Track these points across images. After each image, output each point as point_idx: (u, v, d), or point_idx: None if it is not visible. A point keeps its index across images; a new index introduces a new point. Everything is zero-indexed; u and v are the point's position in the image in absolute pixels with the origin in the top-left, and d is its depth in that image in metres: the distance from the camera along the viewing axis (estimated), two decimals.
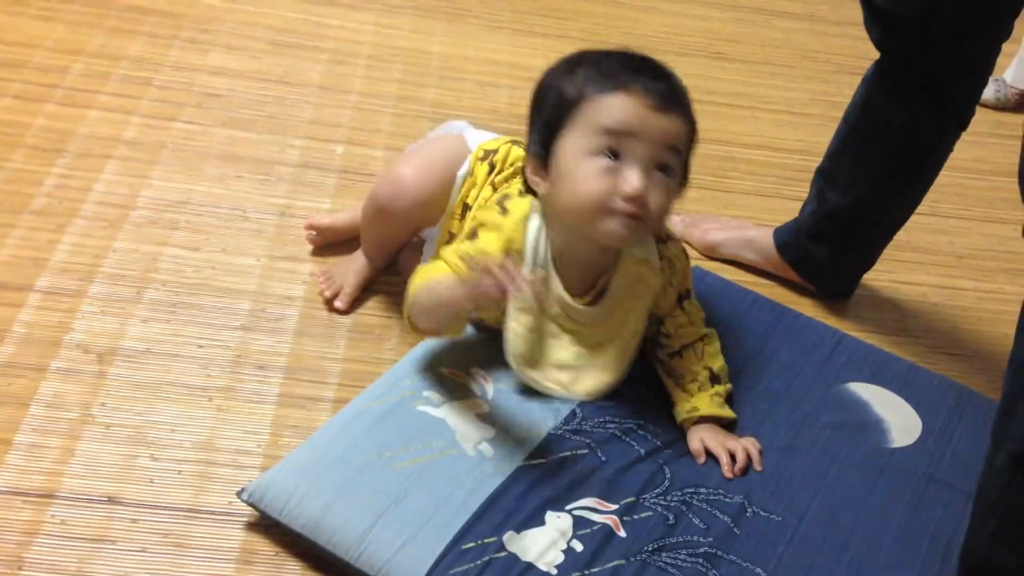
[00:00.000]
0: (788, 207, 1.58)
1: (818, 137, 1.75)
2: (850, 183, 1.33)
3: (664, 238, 1.11)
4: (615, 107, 0.98)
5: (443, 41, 1.84)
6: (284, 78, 1.67)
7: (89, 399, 1.08)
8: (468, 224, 1.11)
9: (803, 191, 1.61)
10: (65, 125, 1.46)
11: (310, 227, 1.34)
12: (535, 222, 1.07)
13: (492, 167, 1.16)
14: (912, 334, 1.38)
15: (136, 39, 1.67)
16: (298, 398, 1.14)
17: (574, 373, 1.10)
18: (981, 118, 1.86)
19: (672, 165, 1.01)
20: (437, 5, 1.94)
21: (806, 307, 1.38)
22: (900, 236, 1.54)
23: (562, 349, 1.09)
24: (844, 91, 1.89)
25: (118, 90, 1.55)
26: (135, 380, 1.12)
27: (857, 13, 2.11)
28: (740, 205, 1.58)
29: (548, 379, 1.09)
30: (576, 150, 0.99)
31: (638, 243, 1.06)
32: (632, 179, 0.97)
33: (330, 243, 1.34)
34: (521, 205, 1.07)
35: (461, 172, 1.17)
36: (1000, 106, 1.89)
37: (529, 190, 1.07)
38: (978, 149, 1.79)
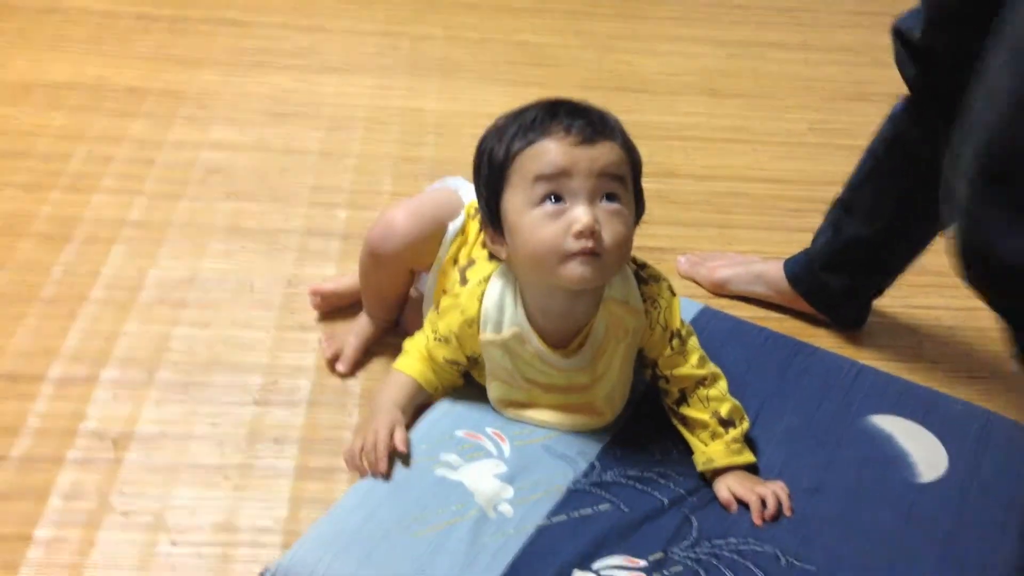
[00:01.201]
0: (794, 239, 1.57)
1: (818, 166, 1.76)
2: (872, 214, 1.32)
3: (646, 278, 1.10)
4: (543, 153, 0.98)
5: (438, 98, 1.86)
6: (284, 147, 1.68)
7: (106, 487, 1.08)
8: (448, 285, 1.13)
9: (807, 222, 1.61)
10: (71, 211, 1.48)
11: (314, 294, 1.35)
12: (495, 286, 1.07)
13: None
14: (929, 359, 1.37)
15: (137, 120, 1.69)
16: (315, 470, 1.13)
17: (562, 414, 1.10)
18: None
19: (618, 193, 1.00)
20: (431, 63, 1.96)
21: (821, 339, 1.38)
22: None
23: (548, 395, 1.09)
24: (840, 118, 1.90)
25: (122, 172, 1.57)
26: (151, 464, 1.12)
27: (846, 39, 2.15)
28: (745, 240, 1.58)
29: (537, 417, 1.10)
30: (519, 205, 0.99)
31: (605, 280, 1.04)
32: (579, 214, 0.97)
33: (336, 308, 1.35)
34: (482, 271, 1.08)
35: (454, 226, 1.18)
36: None
37: (495, 256, 1.08)
38: None
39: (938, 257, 1.55)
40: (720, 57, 2.07)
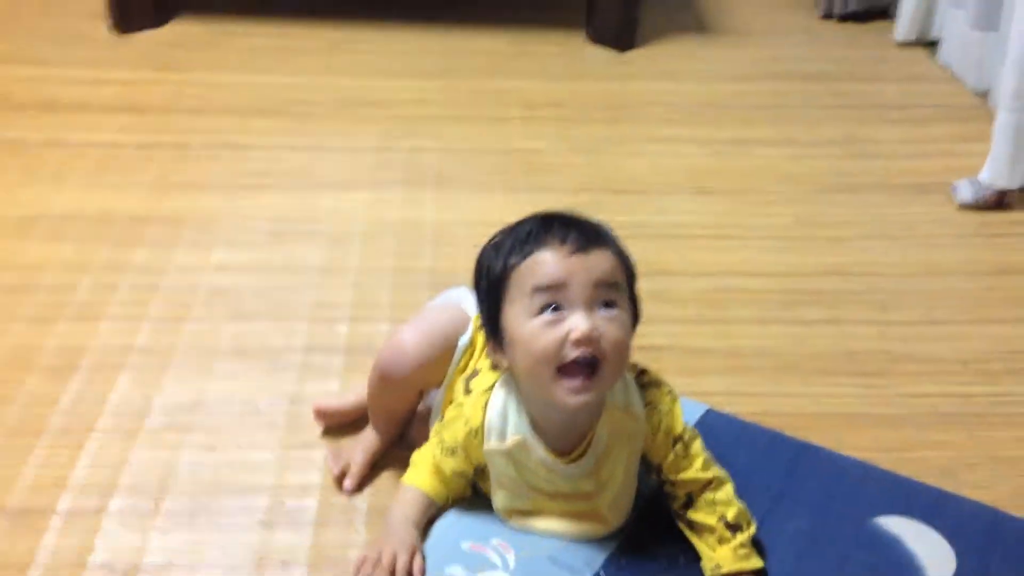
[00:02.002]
0: (787, 332, 1.60)
1: (804, 258, 1.79)
2: None
3: (646, 383, 1.12)
4: (539, 265, 1.02)
5: (434, 208, 1.91)
6: (285, 265, 1.72)
7: None
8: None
9: (800, 313, 1.65)
10: (78, 341, 1.51)
11: (317, 412, 1.36)
12: (498, 395, 1.09)
13: None
14: (929, 447, 1.38)
15: (140, 248, 1.74)
16: None
17: (567, 522, 1.10)
18: (964, 220, 1.92)
19: (615, 300, 1.02)
20: (425, 175, 2.02)
21: (822, 432, 1.38)
22: (901, 348, 1.57)
23: (553, 502, 1.10)
24: (825, 209, 1.95)
25: (127, 299, 1.61)
26: None
27: (828, 133, 2.22)
28: (741, 335, 1.60)
29: (542, 526, 1.10)
30: (518, 317, 1.02)
31: (603, 392, 1.05)
32: (577, 322, 0.99)
33: (340, 425, 1.36)
34: (485, 380, 1.11)
35: (463, 341, 1.20)
36: (981, 206, 1.93)
37: (496, 367, 1.11)
38: (967, 251, 1.83)
39: (928, 344, 1.58)
40: (706, 155, 2.13)
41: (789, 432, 1.37)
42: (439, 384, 1.22)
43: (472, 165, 2.06)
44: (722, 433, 1.28)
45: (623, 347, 1.03)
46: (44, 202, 1.85)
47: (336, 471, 1.28)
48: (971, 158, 2.06)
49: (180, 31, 2.56)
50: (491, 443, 1.08)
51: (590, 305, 1.00)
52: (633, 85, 2.43)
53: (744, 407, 1.43)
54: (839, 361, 1.54)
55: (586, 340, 0.99)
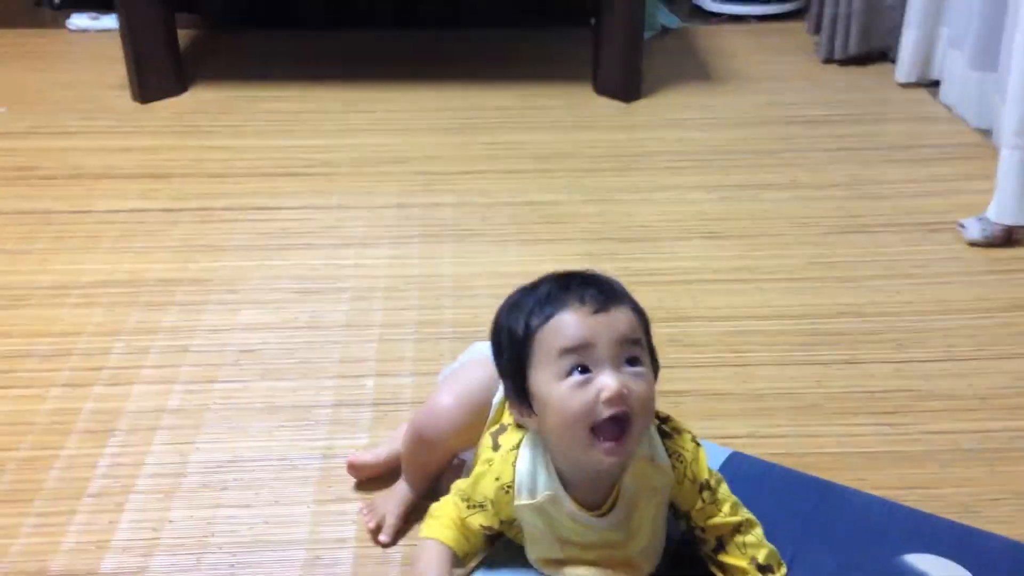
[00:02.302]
0: (806, 373, 1.63)
1: (819, 299, 1.83)
2: None
3: (669, 432, 1.13)
4: (562, 327, 1.03)
5: (453, 262, 1.95)
6: (311, 323, 1.77)
7: None
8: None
9: (818, 355, 1.68)
10: (113, 405, 1.55)
11: (351, 466, 1.39)
12: (526, 452, 1.11)
13: None
14: (952, 484, 1.40)
15: (170, 310, 1.79)
16: None
17: (601, 571, 1.12)
18: (974, 257, 1.96)
19: (638, 356, 1.04)
20: (442, 229, 2.06)
21: (842, 473, 1.40)
22: (920, 386, 1.60)
23: (585, 552, 1.12)
24: (837, 251, 1.99)
25: (158, 362, 1.65)
26: None
27: (834, 176, 2.26)
28: (759, 377, 1.63)
29: (575, 575, 1.12)
30: (547, 381, 1.03)
31: (633, 450, 1.07)
32: (607, 381, 1.00)
33: (373, 479, 1.39)
34: (512, 437, 1.12)
35: (497, 398, 1.23)
36: (989, 243, 1.96)
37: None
38: (978, 288, 1.86)
39: (947, 380, 1.60)
40: (715, 201, 2.17)
41: (812, 472, 1.40)
42: (474, 444, 1.25)
43: (488, 218, 2.11)
44: (747, 476, 1.30)
45: (650, 402, 1.06)
46: (74, 270, 1.90)
47: (371, 525, 1.31)
48: (977, 195, 2.10)
49: (200, 98, 2.64)
50: (522, 499, 1.10)
51: (616, 363, 1.02)
52: (640, 134, 2.49)
53: (766, 449, 1.46)
54: (859, 400, 1.57)
55: (617, 399, 1.00)
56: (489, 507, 1.12)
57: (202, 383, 1.60)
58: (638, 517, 1.11)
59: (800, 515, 1.25)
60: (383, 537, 1.29)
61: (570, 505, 1.10)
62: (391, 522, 1.30)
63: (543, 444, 1.10)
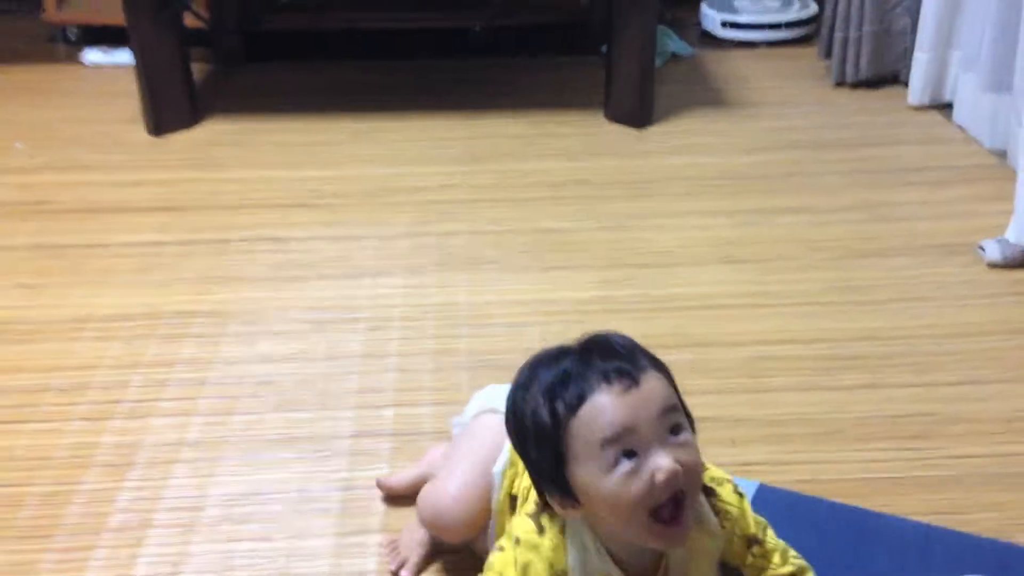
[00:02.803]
0: (828, 398, 1.62)
1: (838, 324, 1.82)
2: None
3: (710, 487, 1.08)
4: (598, 417, 0.94)
5: (468, 291, 1.95)
6: (327, 353, 1.76)
7: None
8: (511, 526, 1.08)
9: (839, 380, 1.66)
10: (132, 438, 1.54)
11: (379, 484, 1.40)
12: (575, 535, 1.03)
13: None
14: (980, 508, 1.38)
15: (187, 342, 1.78)
16: None
17: None
18: (994, 279, 1.95)
19: (679, 423, 0.97)
20: (457, 258, 2.06)
21: (873, 500, 1.39)
22: (942, 410, 1.58)
23: None
24: (854, 274, 1.98)
25: (176, 394, 1.65)
26: None
27: (846, 200, 2.26)
28: (781, 403, 1.61)
29: None
30: (592, 474, 0.95)
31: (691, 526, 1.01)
32: (660, 462, 0.93)
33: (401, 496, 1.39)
34: (555, 518, 1.04)
35: (498, 468, 1.19)
36: (1009, 264, 1.95)
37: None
38: (1001, 310, 1.84)
39: (970, 404, 1.59)
40: (730, 226, 2.17)
41: (837, 499, 1.38)
42: (485, 524, 1.22)
43: (502, 246, 2.11)
44: (778, 507, 1.28)
45: (699, 467, 0.98)
46: (91, 303, 1.91)
47: (393, 567, 1.29)
48: (995, 217, 2.09)
49: (213, 130, 2.65)
50: None
51: (662, 439, 0.94)
52: (653, 161, 2.49)
53: (788, 475, 1.44)
54: (882, 425, 1.55)
55: (673, 479, 0.93)
56: None
57: (220, 415, 1.60)
58: None
59: (840, 545, 1.23)
60: (405, 574, 1.28)
61: None
62: (414, 561, 1.29)
63: (590, 524, 1.02)
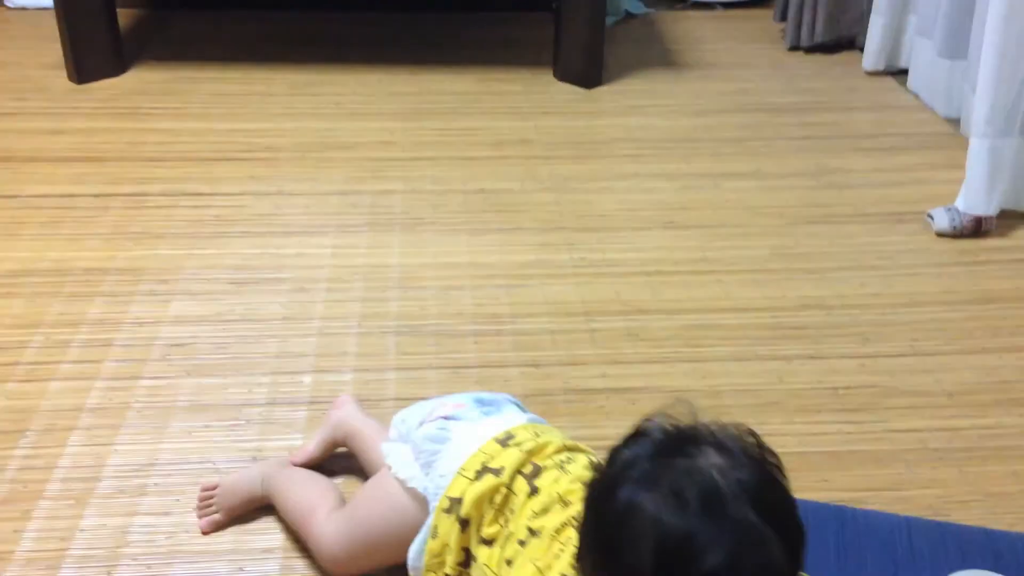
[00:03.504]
0: (768, 368, 1.56)
1: (782, 292, 1.75)
2: None
3: None
4: None
5: (401, 252, 1.86)
6: (246, 316, 1.66)
7: None
8: None
9: (780, 349, 1.60)
10: (26, 402, 1.44)
11: (294, 464, 1.31)
12: None
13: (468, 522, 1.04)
14: (920, 485, 1.33)
15: (95, 301, 1.67)
16: None
17: None
18: (942, 248, 1.89)
19: None
20: (391, 218, 1.97)
21: (812, 474, 1.33)
22: (886, 382, 1.53)
23: None
24: (802, 242, 1.91)
25: (79, 357, 1.54)
26: None
27: (798, 164, 2.19)
28: (719, 373, 1.55)
29: None
30: None
31: None
32: None
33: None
34: None
35: (415, 549, 1.07)
36: (958, 234, 1.90)
37: None
38: (946, 280, 1.79)
39: (913, 376, 1.54)
40: (676, 190, 2.09)
41: None
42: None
43: (439, 206, 2.01)
44: None
45: None
46: None
47: (199, 514, 1.25)
48: (945, 185, 2.04)
49: (140, 79, 2.51)
50: None
51: None
52: (601, 122, 2.41)
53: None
54: (823, 397, 1.49)
55: None
56: None
57: (125, 380, 1.50)
58: None
59: (828, 550, 1.17)
60: (203, 525, 1.24)
61: None
62: (219, 520, 1.24)
63: None
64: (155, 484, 1.30)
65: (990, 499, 1.30)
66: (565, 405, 1.47)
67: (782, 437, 1.41)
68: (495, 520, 1.02)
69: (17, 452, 1.35)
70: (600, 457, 1.01)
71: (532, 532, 0.98)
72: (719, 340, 1.63)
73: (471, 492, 1.03)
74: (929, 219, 1.94)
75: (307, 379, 1.51)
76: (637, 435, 0.84)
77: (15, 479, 1.30)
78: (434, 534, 1.05)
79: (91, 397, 1.46)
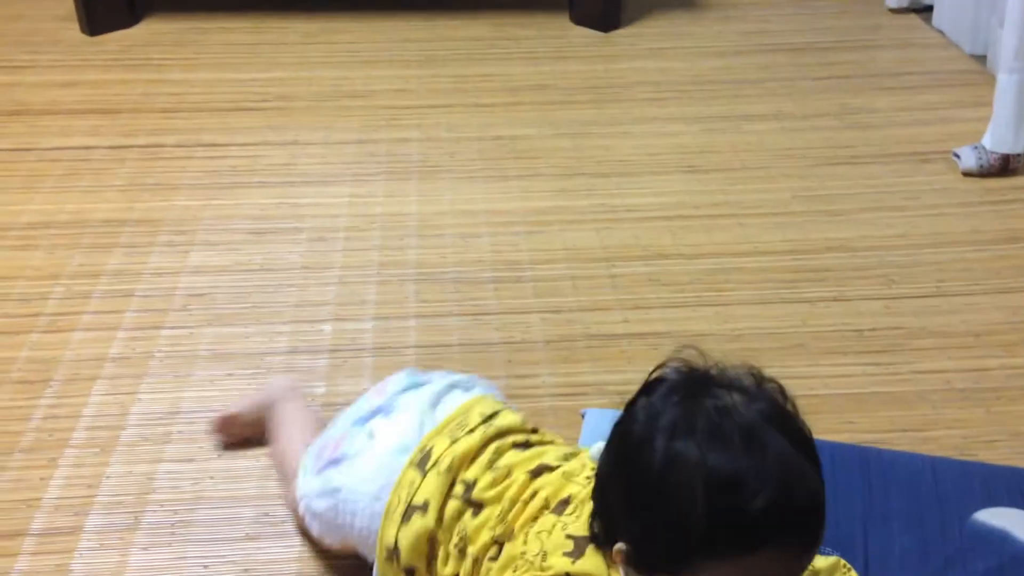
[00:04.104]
0: (792, 312, 1.54)
1: (805, 235, 1.73)
2: None
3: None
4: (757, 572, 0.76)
5: (418, 200, 1.84)
6: (265, 265, 1.66)
7: None
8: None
9: (804, 292, 1.58)
10: (50, 353, 1.44)
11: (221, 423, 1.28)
12: None
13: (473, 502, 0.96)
14: (945, 425, 1.32)
15: (114, 252, 1.67)
16: None
17: None
18: (969, 187, 1.86)
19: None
20: (408, 166, 1.95)
21: (837, 416, 1.32)
22: (911, 323, 1.51)
23: None
24: (825, 183, 1.88)
25: (100, 307, 1.54)
26: None
27: (821, 105, 2.15)
28: (741, 316, 1.54)
29: None
30: None
31: None
32: None
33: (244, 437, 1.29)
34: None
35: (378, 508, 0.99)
36: (985, 173, 1.87)
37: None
38: (973, 220, 1.76)
39: (939, 317, 1.52)
40: (696, 133, 2.06)
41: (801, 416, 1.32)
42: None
43: (456, 154, 1.99)
44: None
45: None
46: (13, 210, 1.78)
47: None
48: (972, 124, 2.00)
49: (152, 30, 2.49)
50: None
51: None
52: (619, 65, 2.37)
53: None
54: (847, 340, 1.48)
55: None
56: None
57: (147, 330, 1.50)
58: None
59: (855, 491, 1.16)
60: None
61: None
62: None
63: None
64: (179, 432, 1.31)
65: (1017, 438, 1.29)
66: (587, 351, 1.46)
67: (806, 380, 1.40)
68: (447, 559, 0.95)
69: (42, 401, 1.35)
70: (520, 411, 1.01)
71: (497, 542, 0.92)
72: (741, 284, 1.61)
73: (404, 539, 0.96)
74: (955, 158, 1.90)
75: (327, 328, 1.51)
76: (653, 385, 0.83)
77: (40, 428, 1.31)
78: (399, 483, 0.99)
79: (113, 347, 1.46)
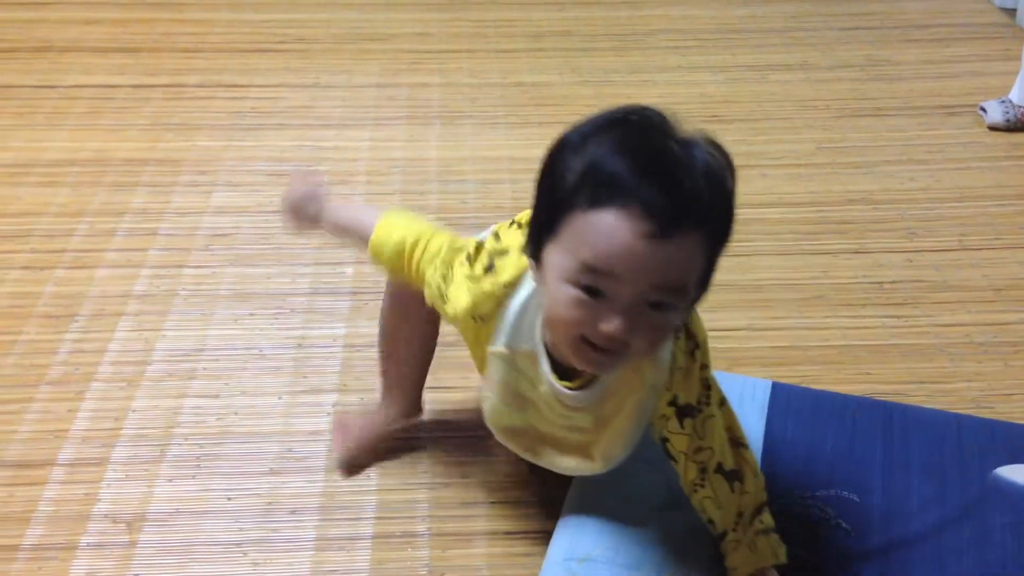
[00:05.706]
0: (812, 263, 1.54)
1: (829, 186, 1.72)
2: None
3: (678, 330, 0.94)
4: (601, 235, 0.80)
5: (439, 146, 1.84)
6: None
7: (122, 573, 1.05)
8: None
9: (825, 244, 1.58)
10: (75, 288, 1.46)
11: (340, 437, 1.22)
12: (522, 294, 0.94)
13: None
14: (963, 378, 1.32)
15: (137, 191, 1.68)
16: (335, 539, 1.10)
17: (554, 453, 1.02)
18: (994, 142, 1.84)
19: (670, 303, 0.83)
20: (429, 111, 1.94)
21: (855, 368, 1.33)
22: (932, 276, 1.51)
23: (547, 424, 1.00)
24: (848, 135, 1.87)
25: (124, 245, 1.55)
26: (166, 545, 1.08)
27: (847, 56, 2.13)
28: (763, 267, 1.54)
29: (526, 450, 1.03)
30: (556, 269, 0.84)
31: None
32: (611, 327, 0.82)
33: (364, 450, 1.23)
34: (511, 267, 0.95)
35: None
36: (1012, 127, 1.85)
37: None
38: (997, 174, 1.75)
39: (960, 271, 1.51)
40: (720, 83, 2.04)
41: (818, 367, 1.32)
42: None
43: (477, 100, 1.98)
44: (801, 409, 1.21)
45: (657, 344, 0.88)
46: (37, 147, 1.79)
47: (338, 449, 1.19)
48: (999, 78, 1.98)
49: None
50: (498, 346, 0.96)
51: (636, 307, 0.82)
52: (642, 12, 2.34)
53: (768, 341, 1.38)
54: (867, 292, 1.48)
55: (613, 343, 0.83)
56: (442, 303, 0.98)
57: (170, 268, 1.51)
58: (613, 405, 0.97)
59: (875, 442, 1.17)
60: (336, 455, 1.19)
61: (547, 368, 0.95)
62: (350, 446, 1.19)
63: (539, 297, 0.93)
64: (204, 368, 1.33)
65: None
66: None
67: (826, 331, 1.40)
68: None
69: (68, 336, 1.37)
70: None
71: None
72: (763, 234, 1.61)
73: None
74: (981, 112, 1.88)
75: (349, 270, 1.52)
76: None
77: (67, 361, 1.33)
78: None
79: (138, 284, 1.47)
